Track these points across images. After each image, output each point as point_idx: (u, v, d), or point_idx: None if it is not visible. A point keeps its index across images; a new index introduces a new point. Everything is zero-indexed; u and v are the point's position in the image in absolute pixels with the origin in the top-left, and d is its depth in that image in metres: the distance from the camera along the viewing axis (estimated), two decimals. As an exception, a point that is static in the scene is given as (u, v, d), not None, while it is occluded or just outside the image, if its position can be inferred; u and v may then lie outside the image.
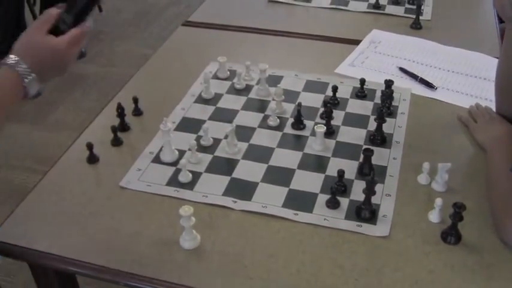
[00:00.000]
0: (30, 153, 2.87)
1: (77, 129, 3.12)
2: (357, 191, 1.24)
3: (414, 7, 2.00)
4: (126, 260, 1.10)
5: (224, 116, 1.50)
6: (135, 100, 1.50)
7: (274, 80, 1.63)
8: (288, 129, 1.45)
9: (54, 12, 1.08)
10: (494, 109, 1.47)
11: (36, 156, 2.88)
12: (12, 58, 1.02)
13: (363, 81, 1.57)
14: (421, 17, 1.97)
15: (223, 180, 1.29)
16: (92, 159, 1.35)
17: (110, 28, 4.28)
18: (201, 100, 1.57)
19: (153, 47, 3.84)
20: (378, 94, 1.57)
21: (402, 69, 1.71)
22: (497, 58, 1.47)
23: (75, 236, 1.16)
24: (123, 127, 1.45)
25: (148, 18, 4.44)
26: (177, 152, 1.36)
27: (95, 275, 1.11)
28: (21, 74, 1.02)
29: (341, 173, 1.23)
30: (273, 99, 1.53)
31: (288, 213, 1.20)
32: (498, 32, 1.93)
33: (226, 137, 1.39)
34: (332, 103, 1.51)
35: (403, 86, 1.62)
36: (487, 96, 1.59)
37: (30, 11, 3.66)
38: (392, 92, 1.49)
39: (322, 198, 1.23)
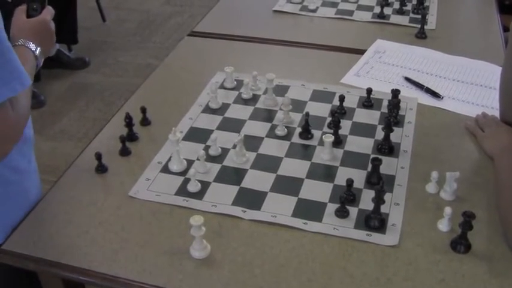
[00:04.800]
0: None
1: (81, 139, 3.17)
2: (366, 200, 1.24)
3: (419, 17, 2.01)
4: (136, 270, 1.11)
5: (232, 125, 1.51)
6: (143, 110, 1.51)
7: (281, 90, 1.64)
8: (296, 139, 1.45)
9: (22, 7, 1.30)
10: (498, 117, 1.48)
11: (41, 166, 2.86)
12: (19, 41, 1.22)
13: (369, 91, 1.58)
14: (425, 27, 1.98)
15: (232, 190, 1.29)
16: (101, 169, 1.36)
17: (113, 38, 4.30)
18: (208, 110, 1.57)
19: (156, 57, 3.88)
20: (385, 103, 1.58)
21: (407, 79, 1.72)
22: (502, 67, 1.48)
23: (85, 245, 1.17)
24: (132, 137, 1.45)
25: (151, 28, 4.46)
26: (185, 162, 1.36)
27: (105, 285, 1.11)
28: (32, 50, 1.23)
29: (350, 182, 1.23)
30: (281, 109, 1.54)
31: (298, 222, 1.20)
32: (502, 40, 1.94)
33: (234, 146, 1.39)
34: (339, 113, 1.52)
35: (409, 95, 1.63)
36: (492, 105, 1.60)
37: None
38: (399, 101, 1.50)
39: (331, 207, 1.23)
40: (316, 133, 1.47)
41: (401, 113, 1.54)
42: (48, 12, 1.30)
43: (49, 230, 1.20)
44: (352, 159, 1.38)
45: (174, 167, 1.35)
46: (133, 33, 4.39)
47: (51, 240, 1.18)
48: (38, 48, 1.24)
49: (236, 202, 1.26)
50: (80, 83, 3.71)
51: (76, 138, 3.20)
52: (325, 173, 1.35)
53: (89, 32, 4.27)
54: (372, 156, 1.35)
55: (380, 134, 1.43)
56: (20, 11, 1.29)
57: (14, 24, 1.27)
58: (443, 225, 1.18)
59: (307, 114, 1.45)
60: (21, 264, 1.16)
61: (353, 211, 1.22)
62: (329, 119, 1.52)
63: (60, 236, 1.19)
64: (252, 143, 1.43)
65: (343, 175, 1.31)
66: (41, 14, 1.29)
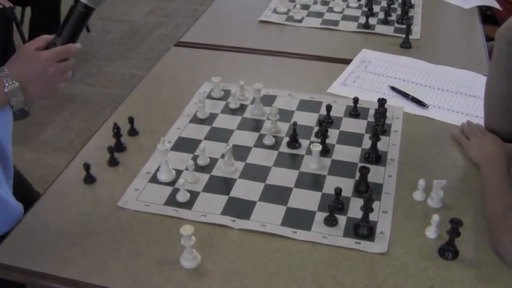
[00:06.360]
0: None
1: (66, 149, 3.15)
2: (354, 209, 1.25)
3: (403, 27, 2.04)
4: (126, 281, 1.11)
5: (220, 135, 1.51)
6: (131, 120, 1.51)
7: (268, 100, 1.65)
8: (284, 148, 1.46)
9: (48, 37, 1.16)
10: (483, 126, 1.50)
11: (26, 176, 2.86)
12: (1, 69, 1.09)
13: (356, 100, 1.59)
14: (410, 37, 2.00)
15: (221, 200, 1.29)
16: (89, 179, 1.35)
17: (97, 48, 4.29)
18: (196, 120, 1.58)
19: (141, 68, 3.87)
20: (371, 113, 1.59)
21: (393, 88, 1.73)
22: (485, 76, 1.50)
23: (74, 256, 1.16)
24: (120, 147, 1.45)
25: (136, 39, 4.46)
26: (174, 172, 1.37)
27: (95, 296, 1.11)
28: (3, 82, 1.08)
29: (338, 190, 1.24)
30: (268, 119, 1.55)
31: (287, 231, 1.21)
32: (486, 50, 1.97)
33: (222, 156, 1.40)
34: (326, 122, 1.53)
35: (395, 104, 1.64)
36: (477, 114, 1.62)
37: (20, 34, 3.66)
38: (385, 110, 1.51)
39: (320, 216, 1.24)
40: (304, 142, 1.48)
41: (387, 121, 1.55)
42: (58, 50, 1.14)
43: (38, 241, 1.20)
44: (340, 168, 1.39)
45: (163, 177, 1.35)
46: (118, 44, 4.39)
47: (41, 251, 1.17)
48: (15, 84, 1.08)
49: (225, 212, 1.26)
50: (64, 94, 3.69)
51: (61, 148, 3.18)
52: (314, 182, 1.35)
53: (73, 43, 4.25)
54: (360, 165, 1.36)
55: (367, 143, 1.45)
56: (33, 42, 1.15)
57: (17, 51, 1.15)
58: (431, 233, 1.19)
59: (294, 123, 1.46)
60: (10, 276, 1.15)
61: (342, 219, 1.23)
62: (316, 128, 1.53)
63: (50, 247, 1.18)
64: (240, 152, 1.44)
65: (331, 184, 1.32)
66: (49, 50, 1.14)
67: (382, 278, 1.11)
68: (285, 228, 1.22)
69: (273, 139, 1.48)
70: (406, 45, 1.99)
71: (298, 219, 1.24)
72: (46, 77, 1.13)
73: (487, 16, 2.54)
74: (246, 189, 1.33)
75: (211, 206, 1.27)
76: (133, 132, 1.52)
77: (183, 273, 1.12)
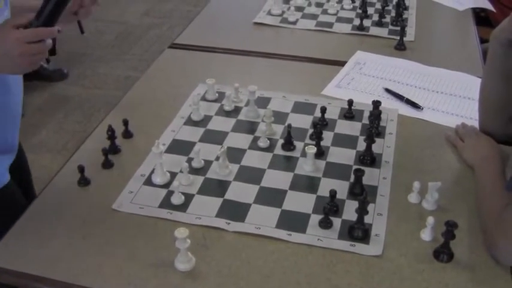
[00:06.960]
0: None
1: (60, 151, 3.15)
2: (349, 211, 1.25)
3: (398, 28, 2.04)
4: (121, 283, 1.10)
5: (214, 137, 1.51)
6: (125, 122, 1.50)
7: (262, 102, 1.65)
8: (278, 151, 1.46)
9: (28, 15, 1.17)
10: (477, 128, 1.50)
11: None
12: None
13: (350, 102, 1.59)
14: (404, 38, 2.00)
15: (216, 202, 1.29)
16: (84, 182, 1.35)
17: (92, 50, 4.29)
18: (190, 122, 1.57)
19: (136, 69, 3.87)
20: (366, 115, 1.59)
21: (388, 90, 1.73)
22: (479, 78, 1.51)
23: (69, 259, 1.16)
24: (114, 149, 1.45)
25: (130, 40, 4.45)
26: (168, 174, 1.36)
27: (89, 299, 1.10)
28: None
29: (333, 193, 1.24)
30: (263, 121, 1.54)
31: (282, 234, 1.20)
32: (480, 51, 1.98)
33: (217, 158, 1.39)
34: (321, 124, 1.53)
35: (390, 106, 1.64)
36: (471, 116, 1.62)
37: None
38: (380, 112, 1.51)
39: (315, 218, 1.24)
40: (299, 145, 1.48)
41: (382, 124, 1.55)
42: (33, 32, 1.15)
43: (32, 244, 1.19)
44: (335, 171, 1.39)
45: (158, 179, 1.35)
46: (112, 45, 4.38)
47: (35, 254, 1.17)
48: None
49: (220, 214, 1.26)
50: (59, 95, 3.69)
51: (55, 150, 3.17)
52: (308, 184, 1.35)
53: (67, 44, 4.24)
54: (354, 167, 1.36)
55: (362, 145, 1.45)
56: (12, 20, 1.17)
57: None
58: (426, 235, 1.19)
59: (289, 125, 1.46)
60: (3, 279, 1.14)
61: (336, 222, 1.23)
62: (311, 131, 1.53)
63: (44, 250, 1.18)
64: (234, 155, 1.43)
65: (326, 186, 1.32)
66: (18, 31, 1.14)
67: (377, 280, 1.10)
68: (279, 230, 1.21)
69: (268, 141, 1.48)
70: (400, 47, 1.99)
71: (293, 221, 1.24)
72: (13, 56, 1.14)
73: (481, 18, 2.54)
74: (241, 192, 1.32)
75: (205, 209, 1.27)
76: (127, 134, 1.52)
77: (178, 276, 1.11)
